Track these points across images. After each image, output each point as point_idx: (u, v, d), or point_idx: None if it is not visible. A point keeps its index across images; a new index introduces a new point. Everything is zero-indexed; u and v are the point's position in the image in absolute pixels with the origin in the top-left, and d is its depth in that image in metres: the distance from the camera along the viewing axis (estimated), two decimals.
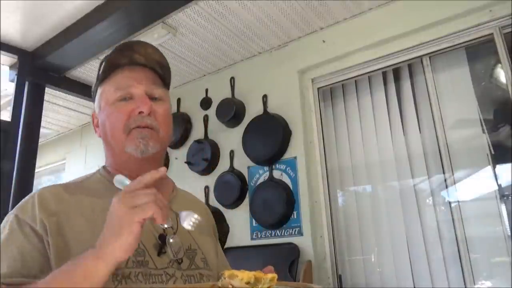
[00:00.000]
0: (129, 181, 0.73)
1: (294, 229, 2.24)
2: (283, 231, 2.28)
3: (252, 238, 2.39)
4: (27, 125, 2.47)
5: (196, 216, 0.74)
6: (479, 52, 2.04)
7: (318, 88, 2.46)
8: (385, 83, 2.30)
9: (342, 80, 2.39)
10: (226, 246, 2.47)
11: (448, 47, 2.04)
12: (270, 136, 2.39)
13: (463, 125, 2.00)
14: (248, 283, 0.64)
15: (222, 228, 2.50)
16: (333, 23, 2.36)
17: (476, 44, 1.99)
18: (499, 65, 1.92)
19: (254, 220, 2.39)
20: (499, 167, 1.88)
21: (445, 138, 2.00)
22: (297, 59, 2.48)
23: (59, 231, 0.75)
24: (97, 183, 0.88)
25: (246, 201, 2.48)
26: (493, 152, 1.88)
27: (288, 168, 2.36)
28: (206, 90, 2.88)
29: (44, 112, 2.73)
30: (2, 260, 0.70)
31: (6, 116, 2.51)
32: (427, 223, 2.00)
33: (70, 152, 3.88)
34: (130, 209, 0.63)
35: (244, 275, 0.65)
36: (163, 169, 0.70)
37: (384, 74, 2.31)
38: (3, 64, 2.56)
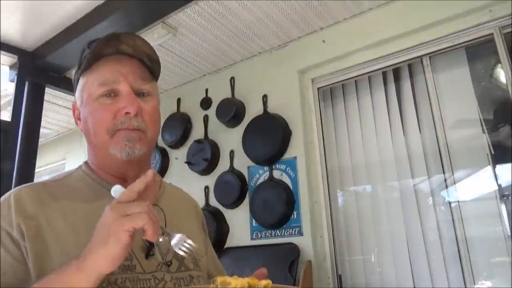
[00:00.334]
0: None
1: (294, 229, 2.24)
2: (283, 231, 2.28)
3: (252, 238, 2.39)
4: (27, 125, 2.46)
5: (189, 241, 0.68)
6: (479, 52, 2.04)
7: (318, 88, 2.46)
8: (385, 83, 2.30)
9: (342, 80, 2.39)
10: (226, 246, 2.47)
11: (448, 47, 2.04)
12: (270, 136, 2.39)
13: (463, 125, 2.00)
14: None
15: (222, 228, 2.50)
16: (333, 23, 2.36)
17: (476, 44, 1.99)
18: (499, 65, 1.92)
19: (254, 220, 2.39)
20: (499, 167, 1.88)
21: (445, 138, 2.00)
22: (297, 59, 2.48)
23: (38, 235, 0.70)
24: (78, 181, 0.84)
25: (246, 201, 2.48)
26: (493, 152, 1.88)
27: (288, 168, 2.36)
28: (206, 90, 2.88)
29: (44, 112, 2.73)
30: None
31: (6, 116, 2.51)
32: (427, 223, 2.00)
33: (70, 152, 3.88)
34: (120, 217, 0.60)
35: (238, 282, 0.62)
36: (150, 172, 0.67)
37: (384, 74, 2.30)
38: (3, 64, 2.55)
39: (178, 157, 2.89)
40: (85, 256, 0.60)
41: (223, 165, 2.64)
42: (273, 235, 2.31)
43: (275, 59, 2.58)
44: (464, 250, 1.84)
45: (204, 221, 1.03)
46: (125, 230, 0.59)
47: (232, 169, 2.58)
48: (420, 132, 2.12)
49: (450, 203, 1.96)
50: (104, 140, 0.79)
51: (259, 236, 2.37)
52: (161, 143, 2.94)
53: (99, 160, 0.85)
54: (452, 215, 1.92)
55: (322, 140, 2.37)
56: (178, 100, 3.02)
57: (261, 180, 2.45)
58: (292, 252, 2.13)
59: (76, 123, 0.88)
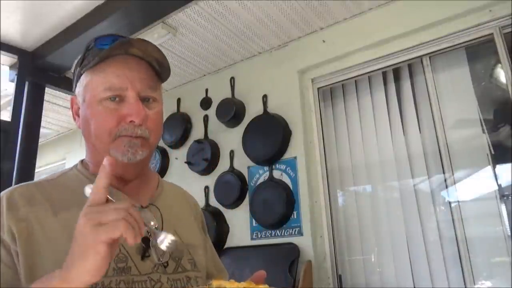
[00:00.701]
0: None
1: (294, 229, 2.24)
2: (283, 231, 2.27)
3: (252, 238, 2.39)
4: (27, 125, 2.46)
5: (172, 238, 0.64)
6: (479, 52, 2.04)
7: (318, 88, 2.46)
8: (385, 83, 2.30)
9: (342, 80, 2.39)
10: (226, 246, 2.47)
11: (448, 47, 2.04)
12: (270, 136, 2.39)
13: (463, 125, 2.00)
14: None
15: (222, 228, 2.50)
16: (333, 23, 2.36)
17: (476, 44, 1.99)
18: (499, 65, 1.92)
19: (254, 220, 2.39)
20: (499, 167, 1.88)
21: (445, 138, 2.00)
22: (297, 59, 2.48)
23: (29, 236, 0.69)
24: (73, 180, 0.82)
25: (246, 201, 2.48)
26: (493, 152, 1.88)
27: (288, 168, 2.36)
28: (206, 90, 2.88)
29: (44, 112, 2.73)
30: None
31: (6, 116, 2.51)
32: (427, 223, 2.00)
33: (70, 152, 3.88)
34: (96, 227, 0.55)
35: (233, 287, 0.62)
36: (105, 161, 0.62)
37: (384, 74, 2.30)
38: (3, 64, 2.55)
39: (178, 157, 2.89)
40: (67, 267, 0.57)
41: (223, 165, 2.64)
42: (273, 235, 2.31)
43: (275, 59, 2.58)
44: (464, 250, 1.84)
45: (204, 220, 1.02)
46: (102, 242, 0.55)
47: (232, 169, 2.58)
48: (420, 132, 2.12)
49: (450, 203, 1.96)
50: (105, 143, 0.77)
51: (259, 236, 2.37)
52: (161, 143, 2.94)
53: (97, 159, 0.82)
54: (452, 215, 1.92)
55: (322, 140, 2.37)
56: (178, 100, 3.02)
57: (261, 180, 2.45)
58: (292, 252, 2.13)
59: (74, 118, 0.86)
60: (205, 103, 2.85)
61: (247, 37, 2.45)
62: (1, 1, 2.03)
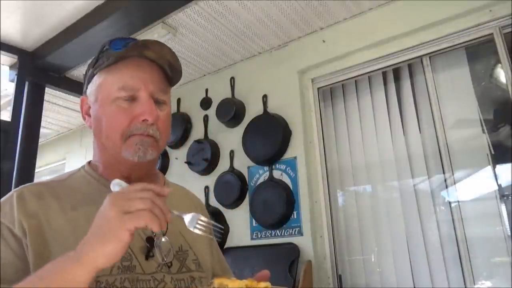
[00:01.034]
0: (126, 185, 0.68)
1: (294, 229, 2.24)
2: (283, 231, 2.28)
3: (252, 238, 2.39)
4: (27, 125, 2.46)
5: (203, 218, 0.68)
6: (479, 52, 2.04)
7: (318, 88, 2.46)
8: (385, 83, 2.30)
9: (342, 80, 2.39)
10: (226, 246, 2.47)
11: (448, 47, 2.04)
12: (270, 136, 2.39)
13: (463, 125, 2.00)
14: None
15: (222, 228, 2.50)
16: (333, 23, 2.36)
17: (476, 44, 1.99)
18: (499, 65, 1.92)
19: (254, 220, 2.39)
20: (499, 167, 1.88)
21: (445, 138, 2.00)
22: (297, 59, 2.48)
23: (38, 233, 0.71)
24: (80, 181, 0.84)
25: (246, 201, 2.48)
26: (493, 152, 1.88)
27: (288, 168, 2.36)
28: (206, 90, 2.88)
29: (44, 112, 2.73)
30: None
31: (6, 116, 2.51)
32: (427, 223, 2.00)
33: (70, 152, 3.88)
34: (121, 214, 0.58)
35: (235, 284, 0.62)
36: (167, 190, 0.65)
37: (384, 74, 2.30)
38: (3, 64, 2.55)
39: (178, 157, 2.89)
40: (82, 250, 0.59)
41: (223, 165, 2.64)
42: (273, 235, 2.31)
43: (275, 59, 2.58)
44: (464, 250, 1.84)
45: (210, 219, 1.03)
46: (127, 229, 0.58)
47: (232, 169, 2.58)
48: (420, 132, 2.12)
49: (450, 203, 1.96)
50: (116, 143, 0.79)
51: (259, 236, 2.37)
52: None
53: (106, 159, 0.84)
54: (452, 215, 1.92)
55: (322, 140, 2.37)
56: (178, 100, 3.02)
57: (261, 180, 2.45)
58: (292, 252, 2.14)
59: (84, 118, 0.87)
60: (205, 103, 2.85)
61: (247, 37, 2.45)
62: (1, 1, 2.03)
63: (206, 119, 2.81)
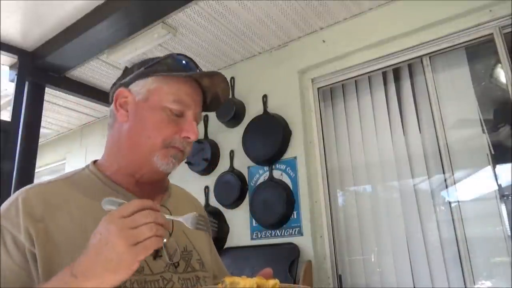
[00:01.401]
0: (122, 202, 0.67)
1: (294, 229, 2.24)
2: (283, 231, 2.27)
3: (252, 238, 2.39)
4: (27, 125, 2.46)
5: (200, 215, 0.71)
6: (479, 52, 2.04)
7: (318, 88, 2.46)
8: (385, 83, 2.30)
9: (342, 80, 2.39)
10: (226, 246, 2.47)
11: (448, 47, 2.04)
12: (270, 136, 2.39)
13: (463, 125, 2.00)
14: None
15: (222, 228, 2.50)
16: (333, 23, 2.36)
17: (476, 44, 1.99)
18: (499, 65, 1.92)
19: (254, 220, 2.39)
20: (499, 167, 1.88)
21: (445, 138, 2.00)
22: (297, 59, 2.48)
23: (47, 237, 0.70)
24: (85, 180, 0.83)
25: (246, 201, 2.48)
26: (493, 152, 1.88)
27: (288, 168, 2.36)
28: None
29: (44, 112, 2.73)
30: None
31: (6, 116, 2.51)
32: (427, 223, 2.00)
33: (70, 152, 3.88)
34: (132, 247, 0.57)
35: (246, 282, 0.63)
36: (158, 206, 0.65)
37: (384, 74, 2.30)
38: (3, 64, 2.55)
39: None
40: (85, 274, 0.58)
41: (223, 165, 2.64)
42: (273, 235, 2.31)
43: (275, 59, 2.58)
44: (464, 250, 1.84)
45: (208, 220, 1.06)
46: (139, 260, 0.59)
47: (232, 169, 2.58)
48: (420, 132, 2.12)
49: (450, 203, 1.96)
50: (155, 146, 0.81)
51: (259, 236, 2.37)
52: None
53: (128, 157, 0.83)
54: (452, 215, 1.92)
55: (322, 140, 2.37)
56: None
57: (261, 180, 2.45)
58: (292, 252, 2.13)
59: (116, 109, 0.86)
60: None
61: (247, 37, 2.45)
62: (1, 1, 2.03)
63: (206, 119, 2.81)
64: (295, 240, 2.20)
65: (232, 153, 2.61)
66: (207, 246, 0.95)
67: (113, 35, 2.26)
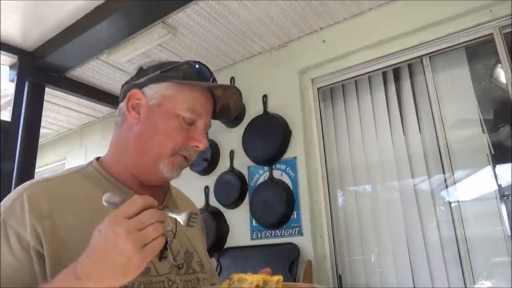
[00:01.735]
0: (120, 196, 0.65)
1: (294, 229, 2.24)
2: (283, 231, 2.27)
3: (252, 238, 2.39)
4: (27, 125, 2.46)
5: (193, 213, 0.70)
6: (479, 52, 2.04)
7: (318, 88, 2.46)
8: (385, 83, 2.30)
9: (342, 80, 2.39)
10: (226, 246, 2.47)
11: (448, 47, 2.04)
12: (270, 136, 2.39)
13: (463, 125, 2.00)
14: (257, 286, 0.64)
15: (222, 228, 2.50)
16: (333, 23, 2.36)
17: (476, 44, 1.99)
18: (499, 65, 1.92)
19: (254, 220, 2.39)
20: (499, 167, 1.88)
21: (445, 138, 2.00)
22: (297, 59, 2.48)
23: (54, 234, 0.69)
24: (89, 176, 0.83)
25: (246, 201, 2.48)
26: (493, 152, 1.88)
27: (288, 168, 2.36)
28: None
29: (44, 112, 2.73)
30: None
31: (6, 116, 2.51)
32: (427, 223, 2.00)
33: (70, 152, 3.88)
34: (140, 249, 0.57)
35: (254, 278, 0.65)
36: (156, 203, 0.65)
37: (384, 74, 2.30)
38: (3, 64, 2.55)
39: None
40: (91, 277, 0.58)
41: (223, 165, 2.64)
42: (273, 235, 2.31)
43: (275, 59, 2.58)
44: (464, 250, 1.84)
45: (203, 223, 1.08)
46: (148, 261, 0.59)
47: (232, 169, 2.58)
48: (420, 132, 2.12)
49: (450, 203, 1.96)
50: (164, 153, 0.81)
51: (259, 236, 2.37)
52: None
53: (130, 157, 0.83)
54: (452, 215, 1.92)
55: (322, 140, 2.37)
56: None
57: (261, 180, 2.45)
58: (292, 252, 2.14)
59: (128, 110, 0.84)
60: None
61: (247, 37, 2.45)
62: (1, 1, 2.03)
63: None
64: (295, 240, 2.20)
65: (232, 153, 2.61)
66: (204, 247, 0.97)
67: (113, 35, 2.26)
